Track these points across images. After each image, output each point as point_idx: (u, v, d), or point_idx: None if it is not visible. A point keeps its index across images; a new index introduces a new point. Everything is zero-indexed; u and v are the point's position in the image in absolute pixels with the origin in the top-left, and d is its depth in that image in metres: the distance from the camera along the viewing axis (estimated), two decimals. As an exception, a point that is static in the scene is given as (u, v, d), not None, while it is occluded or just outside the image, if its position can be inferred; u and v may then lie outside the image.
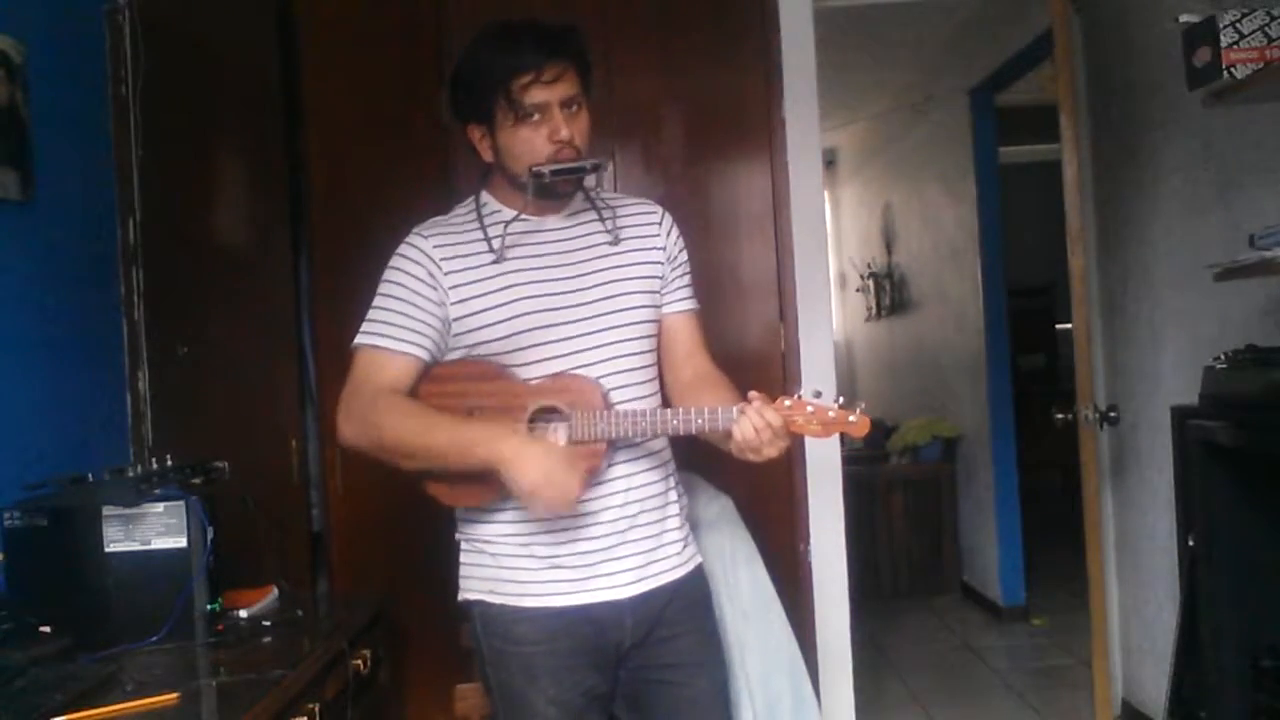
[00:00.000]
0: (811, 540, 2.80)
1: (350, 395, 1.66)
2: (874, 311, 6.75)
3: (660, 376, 1.78)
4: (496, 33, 1.63)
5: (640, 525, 1.69)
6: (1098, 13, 3.43)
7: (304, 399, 2.80)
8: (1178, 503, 2.59)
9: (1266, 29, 2.09)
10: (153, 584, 1.96)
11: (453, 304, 1.64)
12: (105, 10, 2.72)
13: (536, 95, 1.60)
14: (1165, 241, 3.09)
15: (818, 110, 2.86)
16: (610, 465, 1.66)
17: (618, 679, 1.72)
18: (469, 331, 1.65)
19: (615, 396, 1.65)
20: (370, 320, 1.67)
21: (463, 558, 1.75)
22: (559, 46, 1.61)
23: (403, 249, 1.68)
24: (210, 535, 2.03)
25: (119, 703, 1.59)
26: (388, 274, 1.68)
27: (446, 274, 1.64)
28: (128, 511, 1.97)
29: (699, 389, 1.72)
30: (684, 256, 1.81)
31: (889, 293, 6.47)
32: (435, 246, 1.66)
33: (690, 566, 1.77)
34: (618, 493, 1.67)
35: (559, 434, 1.61)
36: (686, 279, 1.81)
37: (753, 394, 1.53)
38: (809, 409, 1.54)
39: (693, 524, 1.90)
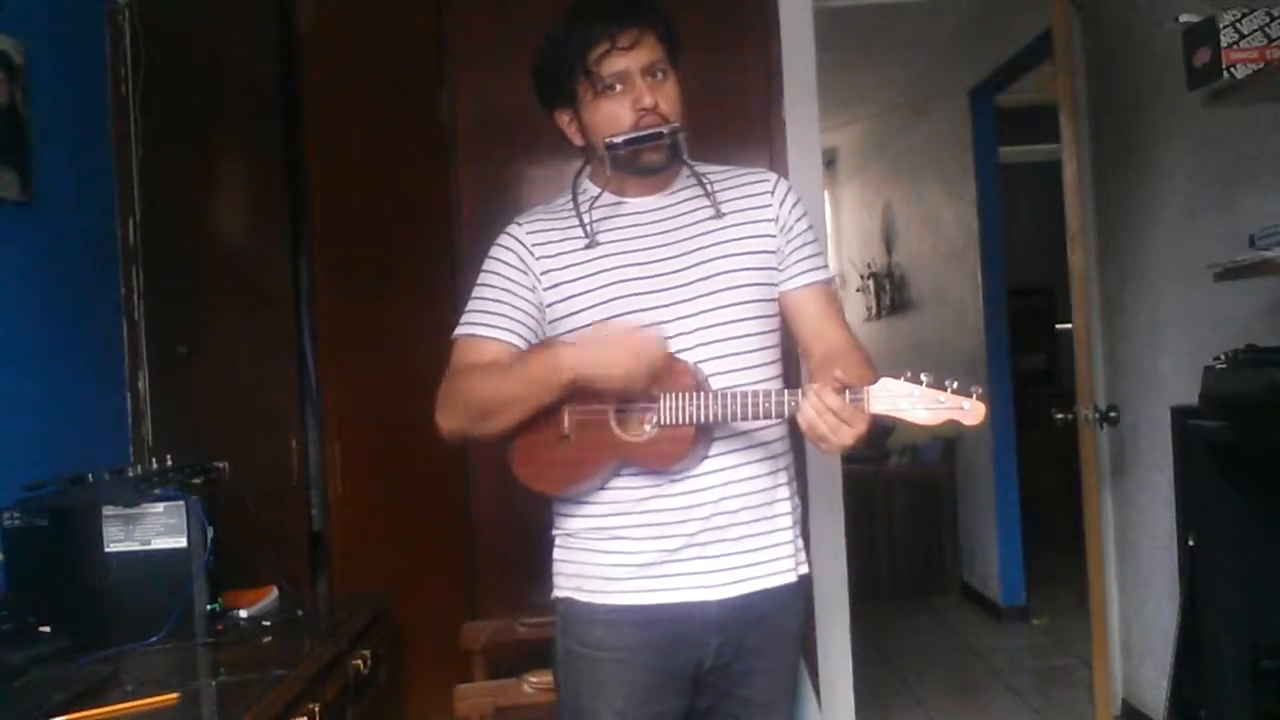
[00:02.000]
0: (812, 540, 2.80)
1: (443, 385, 1.62)
2: (874, 311, 6.75)
3: (801, 360, 1.68)
4: (570, 12, 1.59)
5: (741, 523, 1.57)
6: (1098, 13, 3.43)
7: (304, 399, 2.80)
8: (1178, 503, 2.59)
9: (1266, 29, 2.09)
10: (153, 584, 1.96)
11: (545, 289, 1.60)
12: (105, 10, 2.72)
13: (615, 64, 1.54)
14: (1165, 241, 3.09)
15: (818, 110, 2.86)
16: (706, 458, 1.56)
17: (693, 709, 1.61)
18: (562, 318, 1.60)
19: (718, 382, 1.53)
20: (467, 311, 1.64)
21: (555, 554, 1.67)
22: (633, 12, 1.56)
23: (500, 238, 1.65)
24: (210, 535, 2.03)
25: (119, 703, 1.59)
26: (485, 264, 1.65)
27: (539, 259, 1.60)
28: (128, 511, 1.97)
29: (829, 367, 1.52)
30: (803, 226, 1.66)
31: (889, 293, 6.47)
32: (529, 233, 1.62)
33: (794, 576, 1.63)
34: (714, 486, 1.56)
35: (646, 420, 1.53)
36: (809, 249, 1.66)
37: (837, 373, 1.39)
38: (915, 392, 1.37)
39: None
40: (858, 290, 7.04)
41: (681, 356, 1.54)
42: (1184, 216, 2.97)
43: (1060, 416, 3.02)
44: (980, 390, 1.37)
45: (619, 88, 1.56)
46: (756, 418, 1.49)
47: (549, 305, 1.61)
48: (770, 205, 1.66)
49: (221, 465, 2.24)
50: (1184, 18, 2.23)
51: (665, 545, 1.56)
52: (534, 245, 1.61)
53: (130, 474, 2.13)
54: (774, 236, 1.64)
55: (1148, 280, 3.22)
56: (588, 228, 1.61)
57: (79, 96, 2.60)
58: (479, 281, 1.65)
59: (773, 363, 1.64)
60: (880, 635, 4.64)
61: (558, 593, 1.65)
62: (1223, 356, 2.31)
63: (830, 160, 7.43)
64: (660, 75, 1.58)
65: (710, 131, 2.83)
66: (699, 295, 1.58)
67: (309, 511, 2.78)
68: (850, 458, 4.67)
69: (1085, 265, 3.05)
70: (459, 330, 1.64)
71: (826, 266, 1.71)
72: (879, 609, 5.03)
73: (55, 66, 2.43)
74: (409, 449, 2.79)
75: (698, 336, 1.56)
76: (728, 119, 2.84)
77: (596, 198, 1.64)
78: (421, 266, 2.81)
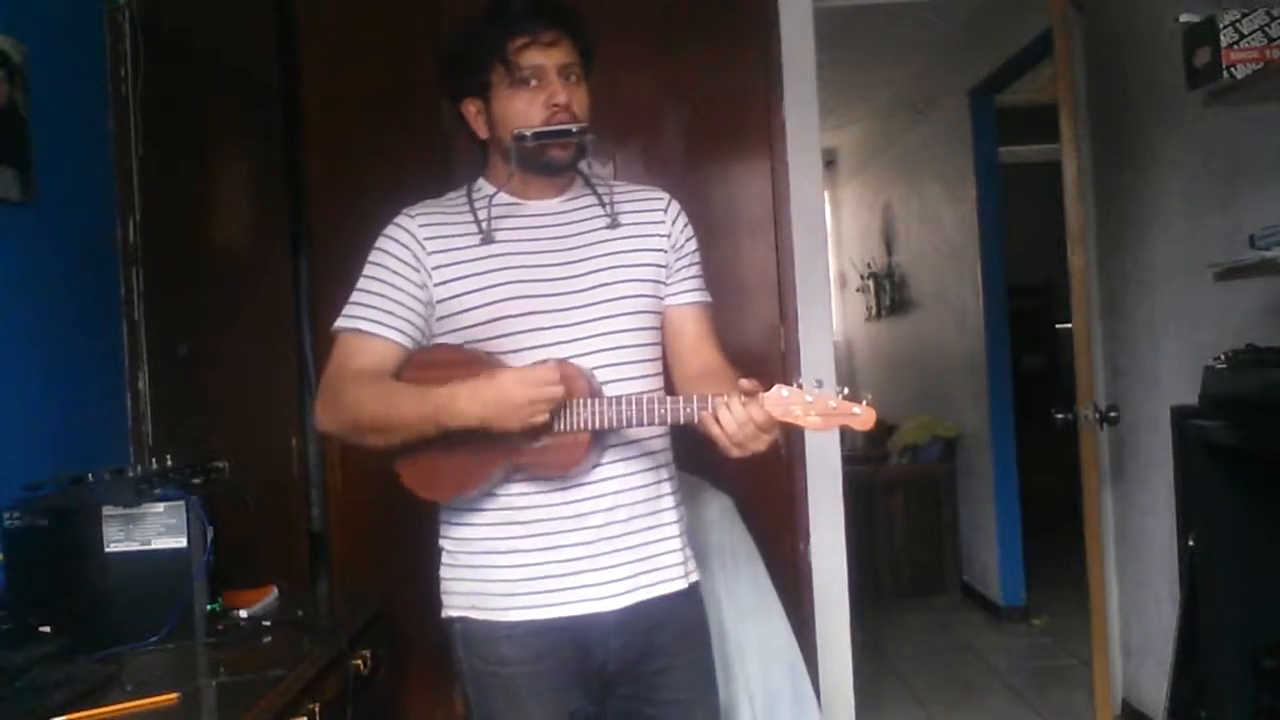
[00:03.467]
0: (811, 540, 2.80)
1: (326, 380, 1.60)
2: (874, 311, 6.75)
3: (666, 373, 1.69)
4: (491, 5, 1.60)
5: (632, 531, 1.59)
6: (1098, 13, 3.43)
7: (304, 399, 2.80)
8: (1178, 503, 2.59)
9: (1266, 29, 2.09)
10: (153, 584, 1.96)
11: (435, 285, 1.57)
12: (105, 10, 2.72)
13: (533, 57, 1.56)
14: (1165, 241, 3.09)
15: (818, 110, 2.86)
16: (597, 465, 1.56)
17: (604, 707, 1.62)
18: (451, 315, 1.58)
19: (608, 391, 1.54)
20: (352, 303, 1.61)
21: (443, 571, 1.66)
22: (556, 14, 1.59)
23: (388, 229, 1.62)
24: (210, 535, 2.03)
25: (119, 703, 1.59)
26: (372, 255, 1.62)
27: (430, 254, 1.58)
28: (128, 511, 1.97)
29: (703, 384, 1.59)
30: (692, 246, 1.71)
31: (889, 293, 6.47)
32: (421, 226, 1.60)
33: (685, 583, 1.66)
34: (606, 494, 1.57)
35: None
36: (694, 269, 1.70)
37: (744, 382, 1.43)
38: (808, 399, 1.40)
39: (693, 524, 1.84)
40: (858, 290, 7.04)
41: (572, 361, 1.53)
42: (1184, 216, 2.97)
43: (1060, 416, 3.02)
44: (870, 397, 1.42)
45: (534, 83, 1.56)
46: (662, 423, 1.50)
47: (439, 302, 1.58)
48: (663, 222, 1.68)
49: (221, 465, 2.24)
50: (1184, 18, 2.23)
51: (558, 555, 1.56)
52: (426, 239, 1.59)
53: (130, 474, 2.12)
54: (665, 252, 1.67)
55: (1148, 280, 3.22)
56: (483, 224, 1.59)
57: (79, 96, 2.60)
58: (365, 273, 1.62)
59: (656, 374, 1.66)
60: (880, 635, 4.64)
61: (450, 612, 1.64)
62: (1223, 356, 2.31)
63: (830, 160, 7.43)
64: (574, 78, 1.60)
65: (710, 131, 2.85)
66: (591, 303, 1.58)
67: (309, 511, 2.78)
68: (850, 458, 4.67)
69: (1085, 265, 3.05)
70: (343, 322, 1.60)
71: (706, 290, 1.73)
72: (879, 609, 5.03)
73: (55, 66, 2.43)
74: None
75: (588, 344, 1.57)
76: (728, 119, 2.84)
77: (493, 196, 1.62)
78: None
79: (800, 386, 1.41)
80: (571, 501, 1.56)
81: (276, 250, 2.77)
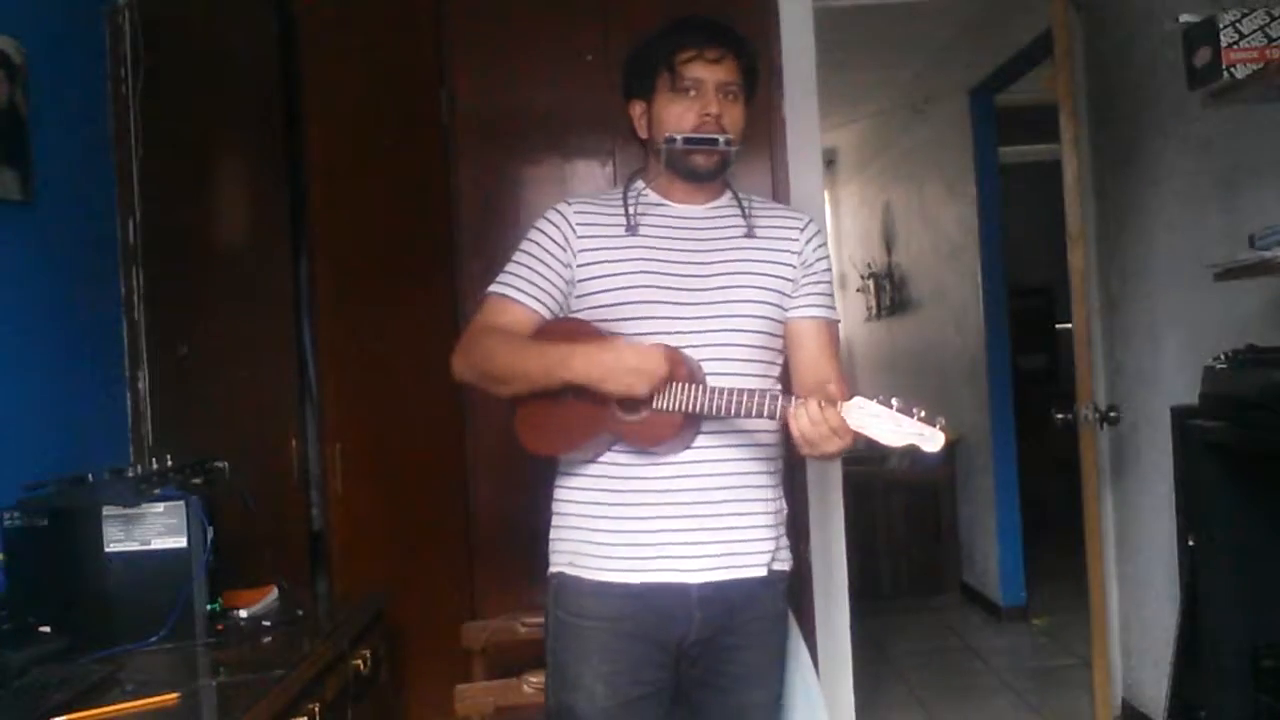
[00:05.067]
0: (811, 540, 2.80)
1: (468, 334, 1.74)
2: (874, 311, 6.74)
3: (786, 384, 1.76)
4: (674, 20, 1.75)
5: (722, 514, 1.67)
6: (1098, 13, 3.43)
7: (304, 399, 2.80)
8: (1178, 503, 2.59)
9: (1266, 29, 2.09)
10: (153, 584, 1.96)
11: (579, 266, 1.70)
12: (105, 10, 2.72)
13: (696, 70, 1.68)
14: (1165, 241, 3.09)
15: (818, 110, 2.86)
16: (690, 447, 1.65)
17: (678, 679, 1.69)
18: (588, 295, 1.70)
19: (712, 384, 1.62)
20: (504, 271, 1.74)
21: (552, 531, 1.76)
22: (726, 35, 1.72)
23: (548, 212, 1.75)
24: (210, 535, 2.03)
25: (119, 703, 1.59)
26: (530, 233, 1.75)
27: (580, 238, 1.71)
28: (128, 511, 1.97)
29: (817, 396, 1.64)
30: (823, 266, 1.79)
31: (889, 293, 6.47)
32: (576, 213, 1.73)
33: (769, 570, 1.72)
34: (700, 475, 1.66)
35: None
36: (823, 287, 1.78)
37: (830, 387, 1.52)
38: (884, 413, 1.49)
39: None
40: (858, 290, 7.04)
41: (685, 351, 1.62)
42: (1184, 216, 2.97)
43: (1060, 416, 3.02)
44: (943, 421, 1.47)
45: (693, 93, 1.69)
46: (746, 415, 1.57)
47: (579, 282, 1.70)
48: (798, 240, 1.77)
49: (221, 465, 2.24)
50: (1184, 18, 2.23)
51: (649, 525, 1.65)
52: (578, 225, 1.72)
53: (130, 474, 2.12)
54: (794, 268, 1.75)
55: (1148, 280, 3.22)
56: (631, 218, 1.72)
57: (79, 96, 2.60)
58: (521, 247, 1.75)
59: (764, 378, 1.72)
60: (880, 635, 4.65)
61: (553, 568, 1.74)
62: (1223, 356, 2.31)
63: (830, 160, 7.43)
64: (732, 96, 1.72)
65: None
66: (717, 303, 1.68)
67: (309, 511, 2.78)
68: (850, 459, 4.67)
69: (1085, 265, 3.05)
70: (493, 287, 1.74)
71: (836, 309, 1.81)
72: (879, 609, 5.03)
73: (55, 66, 2.43)
74: (409, 449, 2.80)
75: (702, 338, 1.66)
76: (728, 119, 2.84)
77: (642, 191, 1.76)
78: (421, 266, 2.81)
79: (880, 400, 1.49)
80: (665, 476, 1.65)
81: (276, 250, 2.77)
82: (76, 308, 2.51)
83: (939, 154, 5.50)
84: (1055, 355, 6.83)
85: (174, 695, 1.63)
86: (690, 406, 1.57)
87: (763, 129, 2.82)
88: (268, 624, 2.09)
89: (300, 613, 2.19)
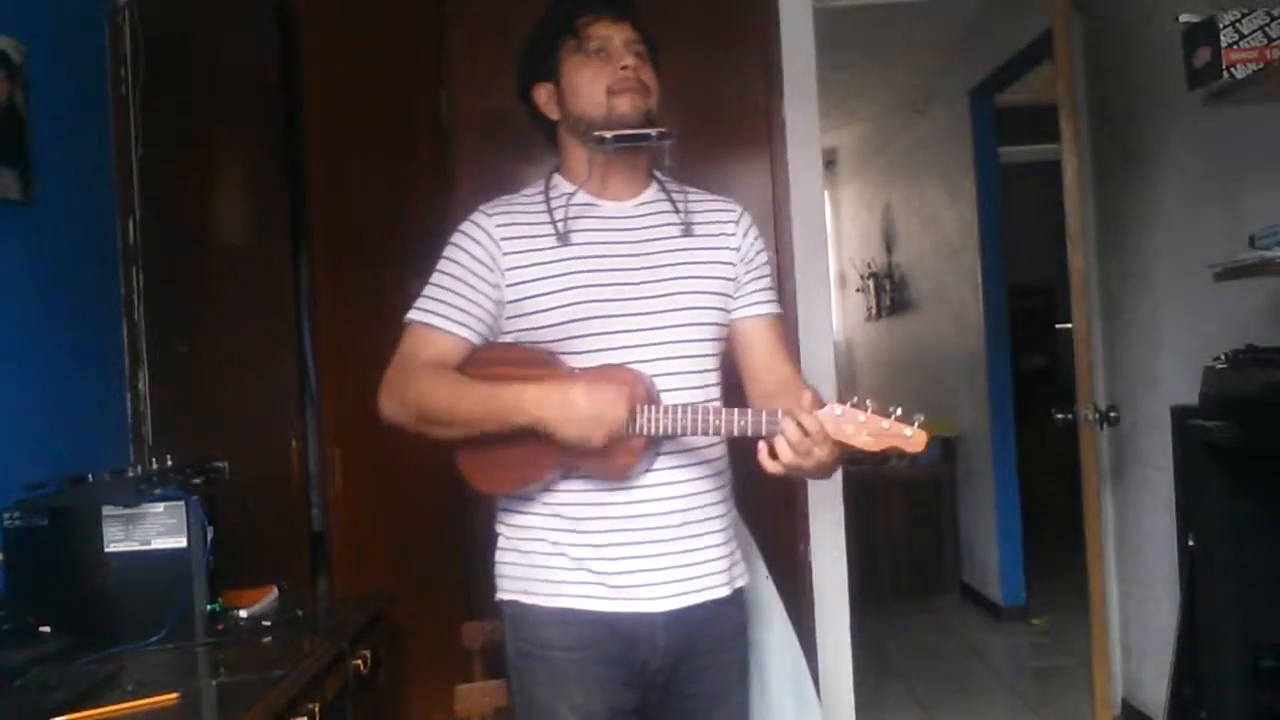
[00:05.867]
0: (811, 540, 2.80)
1: (393, 369, 1.63)
2: (874, 311, 6.75)
3: (740, 387, 1.70)
4: None
5: (682, 537, 1.59)
6: (1098, 13, 3.43)
7: (304, 399, 2.80)
8: (1178, 503, 2.59)
9: (1266, 29, 2.09)
10: (153, 584, 1.96)
11: (508, 286, 1.59)
12: (105, 10, 2.72)
13: (601, 29, 1.62)
14: (1165, 241, 3.09)
15: (818, 110, 2.86)
16: (650, 470, 1.57)
17: (646, 699, 1.64)
18: (522, 315, 1.59)
19: (667, 399, 1.54)
20: (424, 296, 1.64)
21: (497, 555, 1.68)
22: (622, 2, 1.66)
23: (465, 226, 1.64)
24: (210, 535, 2.03)
25: (119, 703, 1.59)
26: (448, 250, 1.64)
27: (506, 254, 1.59)
28: (128, 511, 1.97)
29: (780, 400, 1.56)
30: (762, 259, 1.72)
31: (889, 293, 6.47)
32: (498, 225, 1.61)
33: (731, 588, 1.66)
34: (659, 499, 1.58)
35: None
36: (765, 282, 1.71)
37: (806, 397, 1.42)
38: (860, 418, 1.39)
39: None
40: (858, 290, 7.04)
41: (631, 366, 1.55)
42: (1184, 216, 2.97)
43: (1060, 416, 3.02)
44: (922, 418, 1.40)
45: (602, 53, 1.61)
46: (716, 434, 1.52)
47: (510, 302, 1.60)
48: (734, 234, 1.69)
49: (221, 465, 2.24)
50: (1184, 18, 2.23)
51: (608, 554, 1.58)
52: (502, 239, 1.60)
53: (130, 474, 2.13)
54: (734, 265, 1.68)
55: (1148, 280, 3.22)
56: (559, 225, 1.60)
57: (79, 96, 2.60)
58: (440, 267, 1.64)
59: (715, 385, 1.66)
60: (880, 635, 4.64)
61: (503, 595, 1.66)
62: (1223, 356, 2.31)
63: (830, 160, 7.43)
64: (642, 56, 1.64)
65: (710, 132, 2.84)
66: (660, 310, 1.59)
67: (309, 511, 2.78)
68: (850, 459, 4.66)
69: (1085, 265, 3.05)
70: (414, 315, 1.63)
71: (778, 301, 1.74)
72: (879, 609, 5.03)
73: (55, 66, 2.43)
74: (409, 448, 2.78)
75: (652, 351, 1.58)
76: (728, 119, 2.84)
77: (571, 195, 1.64)
78: (421, 267, 2.80)
79: (854, 404, 1.40)
80: (623, 503, 1.57)
81: (276, 250, 2.76)
82: (76, 307, 2.51)
83: (939, 154, 5.50)
84: (1055, 355, 6.83)
85: (174, 695, 1.63)
86: (653, 429, 1.49)
87: (763, 129, 2.82)
88: (268, 624, 2.09)
89: (300, 613, 2.18)
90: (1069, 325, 3.17)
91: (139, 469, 2.19)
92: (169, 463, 2.21)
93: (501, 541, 1.68)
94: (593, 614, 1.58)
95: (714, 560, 1.64)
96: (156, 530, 1.97)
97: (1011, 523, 4.95)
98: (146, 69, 2.72)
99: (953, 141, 5.24)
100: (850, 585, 2.86)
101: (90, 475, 2.08)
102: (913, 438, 1.40)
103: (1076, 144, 3.06)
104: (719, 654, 1.66)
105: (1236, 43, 2.10)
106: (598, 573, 1.58)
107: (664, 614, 1.59)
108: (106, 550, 1.96)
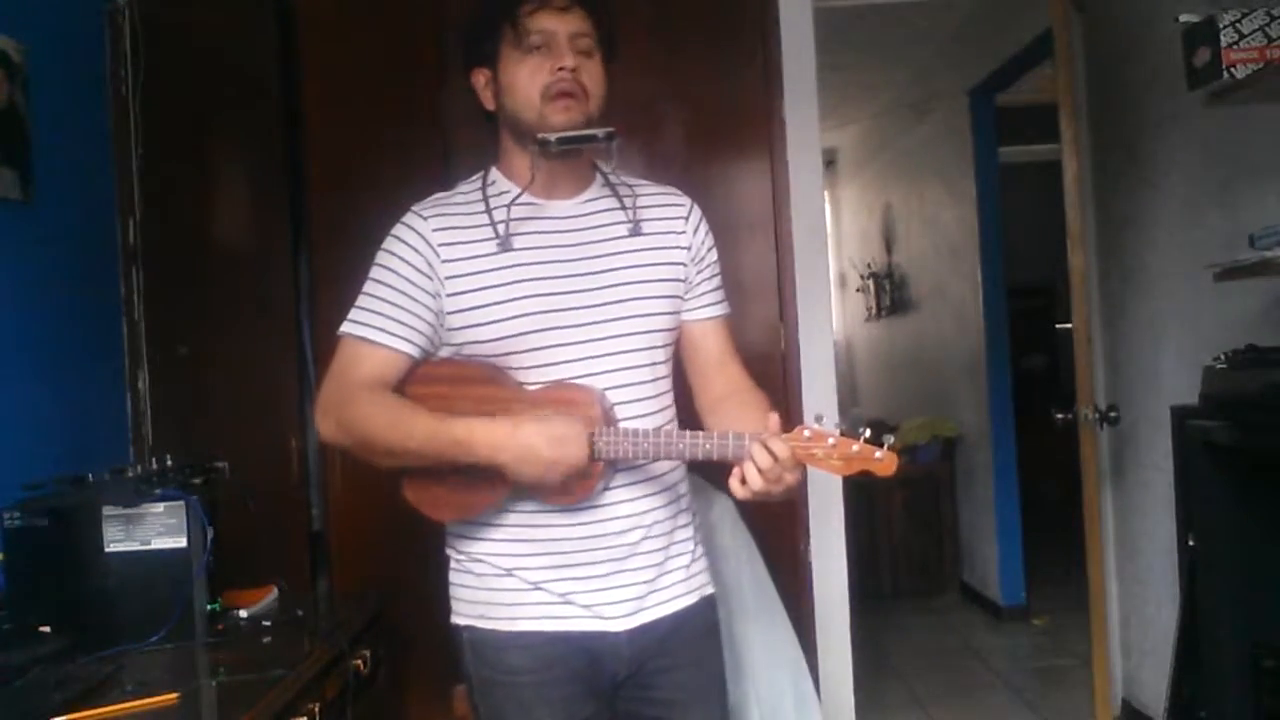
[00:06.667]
0: (811, 540, 2.80)
1: (328, 388, 1.54)
2: (874, 311, 6.75)
3: (689, 392, 1.64)
4: None
5: (642, 553, 1.54)
6: (1098, 13, 3.43)
7: (304, 399, 2.80)
8: (1178, 503, 2.58)
9: (1266, 29, 2.09)
10: (153, 584, 1.96)
11: (448, 295, 1.49)
12: (105, 10, 2.72)
13: (543, 21, 1.49)
14: (1165, 241, 3.09)
15: (818, 110, 2.86)
16: (608, 488, 1.51)
17: (615, 709, 1.60)
18: (463, 328, 1.50)
19: (621, 411, 1.49)
20: (358, 307, 1.54)
21: (451, 577, 1.62)
22: None
23: (399, 230, 1.53)
24: (210, 535, 2.03)
25: (119, 703, 1.59)
26: (381, 256, 1.53)
27: (444, 262, 1.49)
28: (128, 511, 1.97)
29: (731, 407, 1.56)
30: (713, 257, 1.64)
31: (889, 293, 6.47)
32: (435, 230, 1.51)
33: (695, 597, 1.61)
34: (618, 518, 1.52)
35: None
36: (715, 281, 1.64)
37: (770, 417, 1.38)
38: (830, 441, 1.35)
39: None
40: (858, 290, 7.04)
41: (586, 383, 1.48)
42: (1184, 216, 2.97)
43: (1060, 416, 3.02)
44: (892, 440, 1.36)
45: (543, 49, 1.49)
46: (680, 459, 1.46)
47: (450, 313, 1.50)
48: (685, 232, 1.61)
49: (221, 465, 2.24)
50: (1184, 18, 2.23)
51: (567, 574, 1.52)
52: (440, 245, 1.50)
53: (130, 474, 2.12)
54: (685, 265, 1.60)
55: (1148, 280, 3.22)
56: (499, 228, 1.51)
57: (79, 96, 2.60)
58: (373, 276, 1.54)
59: (667, 392, 1.60)
60: (880, 635, 4.64)
61: (458, 619, 1.60)
62: (1223, 356, 2.31)
63: (830, 160, 7.43)
64: (586, 51, 1.51)
65: (710, 131, 2.85)
66: (610, 319, 1.51)
67: (309, 511, 2.78)
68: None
69: (1085, 265, 3.05)
70: (349, 327, 1.54)
71: (725, 301, 1.68)
72: (879, 609, 5.03)
73: (55, 66, 2.43)
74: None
75: (607, 362, 1.51)
76: (728, 119, 2.84)
77: (516, 197, 1.54)
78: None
79: (819, 425, 1.36)
80: (581, 524, 1.51)
81: (276, 250, 2.77)
82: (76, 308, 2.50)
83: (939, 154, 5.50)
84: (1055, 355, 6.83)
85: (174, 695, 1.63)
86: (614, 453, 1.42)
87: (762, 129, 2.82)
88: (268, 624, 2.09)
89: (300, 613, 2.18)
90: (1069, 325, 3.16)
91: (139, 469, 2.19)
92: (169, 463, 2.21)
93: (453, 564, 1.61)
94: (552, 633, 1.53)
95: (676, 571, 1.59)
96: (156, 530, 1.97)
97: (1011, 523, 4.95)
98: (146, 69, 2.72)
99: (953, 141, 5.24)
100: (850, 585, 2.86)
101: (90, 475, 2.08)
102: (883, 460, 1.35)
103: (1076, 144, 3.05)
104: (689, 653, 1.60)
105: (1236, 43, 2.10)
106: (556, 593, 1.53)
107: (627, 632, 1.54)
108: (106, 550, 1.96)
